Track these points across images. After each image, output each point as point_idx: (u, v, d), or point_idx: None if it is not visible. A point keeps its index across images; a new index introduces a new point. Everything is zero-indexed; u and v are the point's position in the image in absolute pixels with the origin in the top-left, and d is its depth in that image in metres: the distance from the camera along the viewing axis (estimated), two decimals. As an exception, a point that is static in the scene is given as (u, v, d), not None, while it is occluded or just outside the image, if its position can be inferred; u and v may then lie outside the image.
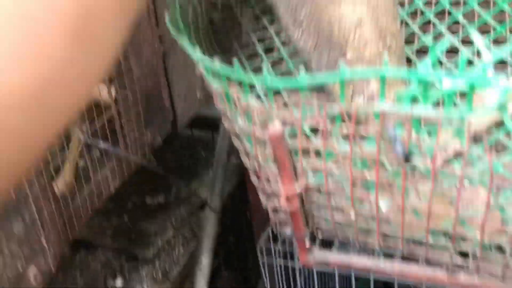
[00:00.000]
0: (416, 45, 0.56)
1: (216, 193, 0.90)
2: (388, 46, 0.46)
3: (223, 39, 0.64)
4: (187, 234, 0.87)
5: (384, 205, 0.41)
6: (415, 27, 0.57)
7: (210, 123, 0.97)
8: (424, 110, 0.34)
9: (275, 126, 0.37)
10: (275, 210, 0.44)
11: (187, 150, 1.00)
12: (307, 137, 0.39)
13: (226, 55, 0.62)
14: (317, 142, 0.37)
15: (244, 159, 0.46)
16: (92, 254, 0.82)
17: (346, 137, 0.38)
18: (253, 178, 0.45)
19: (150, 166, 0.77)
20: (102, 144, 0.69)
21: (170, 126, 0.80)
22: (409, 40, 0.58)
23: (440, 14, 0.58)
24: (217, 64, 0.40)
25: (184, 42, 0.45)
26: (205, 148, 1.00)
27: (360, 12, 0.47)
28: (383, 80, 0.34)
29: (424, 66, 0.31)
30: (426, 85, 0.33)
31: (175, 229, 0.86)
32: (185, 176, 0.94)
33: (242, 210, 0.97)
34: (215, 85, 0.43)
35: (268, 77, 0.37)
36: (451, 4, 0.58)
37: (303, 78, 0.37)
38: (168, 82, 0.77)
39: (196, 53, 0.43)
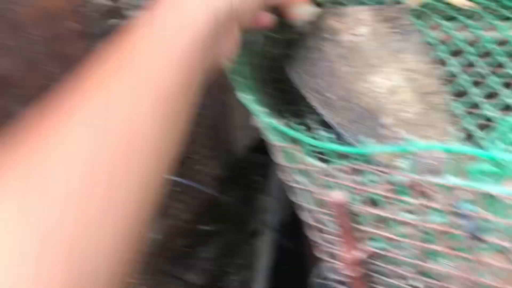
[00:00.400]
0: (484, 88, 0.54)
1: (272, 221, 0.89)
2: (431, 104, 0.45)
3: (285, 77, 0.63)
4: (241, 262, 0.86)
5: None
6: (482, 67, 0.55)
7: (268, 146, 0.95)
8: (497, 187, 0.32)
9: (339, 194, 0.35)
10: (335, 272, 0.43)
11: (242, 174, 0.99)
12: (372, 204, 0.38)
13: (289, 95, 0.61)
14: (381, 210, 0.36)
15: (302, 214, 0.45)
16: (143, 279, 0.83)
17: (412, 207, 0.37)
18: (311, 235, 0.44)
19: (221, 198, 0.77)
20: (177, 178, 0.70)
21: (229, 156, 0.80)
22: (477, 82, 0.55)
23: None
24: (276, 123, 0.39)
25: (242, 94, 0.44)
26: (261, 173, 0.99)
27: (394, 79, 0.46)
28: (449, 154, 0.32)
29: (497, 149, 0.29)
30: (497, 163, 0.31)
31: (228, 257, 0.86)
32: (240, 201, 0.94)
33: (295, 238, 0.95)
34: (273, 141, 0.42)
35: (329, 143, 0.36)
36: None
37: (367, 146, 0.36)
38: (228, 112, 0.77)
39: (255, 107, 0.42)
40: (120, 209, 0.30)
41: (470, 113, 0.49)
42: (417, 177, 0.33)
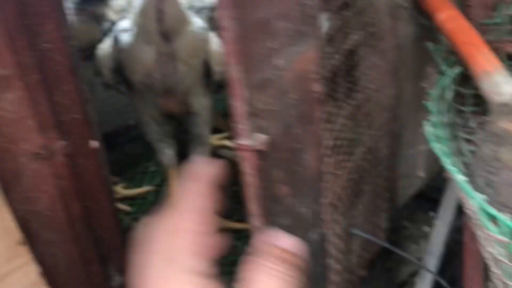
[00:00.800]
0: None
1: (423, 274, 0.84)
2: None
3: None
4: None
5: None
6: None
7: (426, 199, 0.90)
8: None
9: None
10: None
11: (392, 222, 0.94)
12: None
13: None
14: None
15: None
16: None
17: None
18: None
19: (392, 249, 0.74)
20: (357, 231, 0.68)
21: (393, 207, 0.76)
22: None
23: None
24: (504, 217, 0.35)
25: (452, 172, 0.41)
26: (410, 218, 0.93)
27: None
28: None
29: None
30: None
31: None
32: (389, 250, 0.89)
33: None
34: (487, 229, 0.38)
35: None
36: None
37: None
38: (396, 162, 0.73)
39: (470, 191, 0.38)
40: None
41: None
42: None
